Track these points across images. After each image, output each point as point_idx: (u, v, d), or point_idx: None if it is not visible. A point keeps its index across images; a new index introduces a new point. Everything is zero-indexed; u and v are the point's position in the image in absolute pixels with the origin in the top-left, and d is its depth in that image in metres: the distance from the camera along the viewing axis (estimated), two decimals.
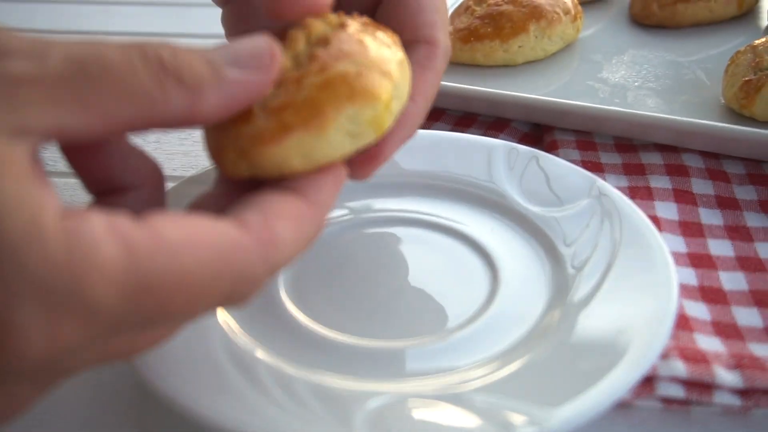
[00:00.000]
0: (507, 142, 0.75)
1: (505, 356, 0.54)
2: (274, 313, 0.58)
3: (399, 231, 0.68)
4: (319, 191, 0.44)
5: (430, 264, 0.63)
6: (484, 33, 0.96)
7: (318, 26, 0.48)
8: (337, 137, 0.43)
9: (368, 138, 0.44)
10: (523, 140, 0.86)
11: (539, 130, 0.88)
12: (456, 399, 0.50)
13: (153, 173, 0.49)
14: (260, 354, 0.54)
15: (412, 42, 0.55)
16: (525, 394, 0.50)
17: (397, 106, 0.46)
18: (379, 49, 0.46)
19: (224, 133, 0.45)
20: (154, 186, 0.48)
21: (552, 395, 0.49)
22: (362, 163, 0.50)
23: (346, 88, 0.43)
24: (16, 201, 0.34)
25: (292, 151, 0.42)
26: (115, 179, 0.46)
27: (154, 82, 0.39)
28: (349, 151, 0.44)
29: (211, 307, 0.39)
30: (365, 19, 0.51)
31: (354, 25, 0.48)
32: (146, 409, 0.55)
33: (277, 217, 0.41)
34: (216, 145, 0.46)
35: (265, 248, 0.39)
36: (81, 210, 0.36)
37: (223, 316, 0.57)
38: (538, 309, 0.58)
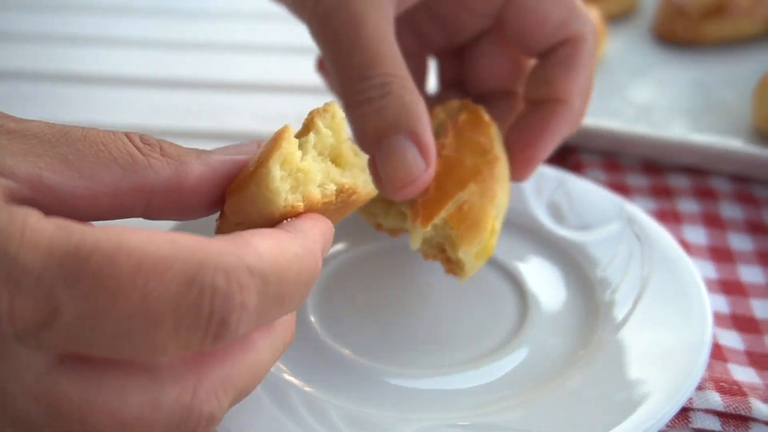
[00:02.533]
0: None
1: (538, 386, 0.53)
2: (305, 341, 0.58)
3: None
4: (299, 224, 0.41)
5: (460, 290, 0.63)
6: None
7: None
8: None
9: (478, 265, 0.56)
10: (547, 161, 0.85)
11: (564, 149, 0.87)
12: (489, 429, 0.49)
13: None
14: (292, 380, 0.53)
15: (555, 45, 0.58)
16: (558, 425, 0.49)
17: (499, 224, 0.57)
18: (477, 167, 0.56)
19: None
20: None
21: (586, 427, 0.49)
22: (519, 164, 0.57)
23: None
24: None
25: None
26: None
27: (136, 148, 0.40)
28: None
29: (172, 297, 0.33)
30: (465, 116, 0.60)
31: (449, 150, 0.57)
32: None
33: (250, 234, 0.38)
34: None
35: (232, 244, 0.35)
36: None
37: None
38: (569, 338, 0.58)
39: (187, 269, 0.33)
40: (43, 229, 0.32)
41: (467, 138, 0.58)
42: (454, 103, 0.63)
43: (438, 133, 0.59)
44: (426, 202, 0.54)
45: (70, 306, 0.32)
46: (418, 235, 0.54)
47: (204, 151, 0.43)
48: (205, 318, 0.34)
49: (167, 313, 0.33)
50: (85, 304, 0.32)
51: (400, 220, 0.58)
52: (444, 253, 0.57)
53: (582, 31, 0.57)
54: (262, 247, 0.36)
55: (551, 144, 0.59)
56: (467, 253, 0.54)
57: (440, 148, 0.56)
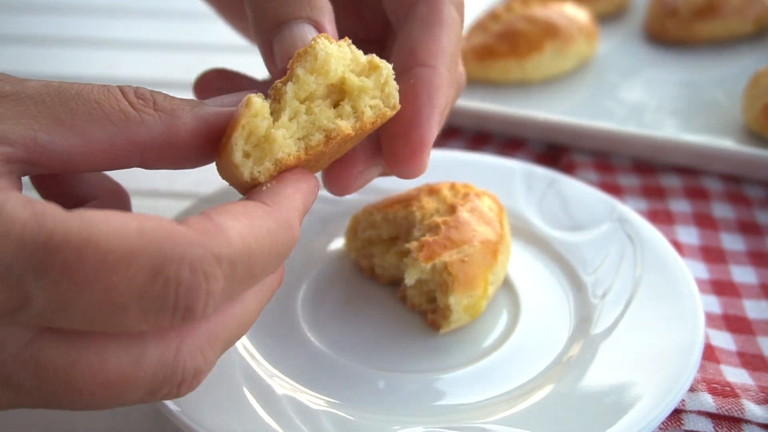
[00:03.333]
0: (525, 163, 0.74)
1: (528, 388, 0.53)
2: (295, 343, 0.57)
3: None
4: (277, 193, 0.42)
5: None
6: (499, 51, 0.95)
7: (430, 206, 0.61)
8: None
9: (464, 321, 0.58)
10: (539, 160, 0.85)
11: (555, 149, 0.87)
12: None
13: (111, 186, 0.49)
14: (282, 384, 0.53)
15: (413, 4, 0.51)
16: (549, 428, 0.49)
17: (492, 292, 0.59)
18: (485, 234, 0.58)
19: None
20: (112, 198, 0.49)
21: (577, 430, 0.48)
22: (408, 154, 0.47)
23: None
24: None
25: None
26: (70, 191, 0.47)
27: (128, 104, 0.40)
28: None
29: (136, 290, 0.34)
30: (473, 188, 0.63)
31: (464, 210, 0.59)
32: None
33: (220, 213, 0.38)
34: None
35: (203, 235, 0.36)
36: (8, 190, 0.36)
37: (245, 345, 0.56)
38: (560, 339, 0.57)
39: (152, 263, 0.34)
40: (17, 217, 0.33)
41: (481, 212, 0.61)
42: (477, 188, 0.65)
43: (454, 203, 0.61)
44: (432, 244, 0.56)
45: (39, 295, 0.34)
46: (416, 270, 0.56)
47: (200, 103, 0.43)
48: (170, 306, 0.35)
49: (132, 303, 0.35)
50: (54, 293, 0.34)
51: (397, 261, 0.61)
52: (431, 303, 0.59)
53: None
54: (233, 229, 0.37)
55: (431, 119, 0.48)
56: (458, 302, 0.55)
57: (453, 209, 0.60)
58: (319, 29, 0.47)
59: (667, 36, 1.05)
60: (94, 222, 0.34)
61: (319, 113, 0.44)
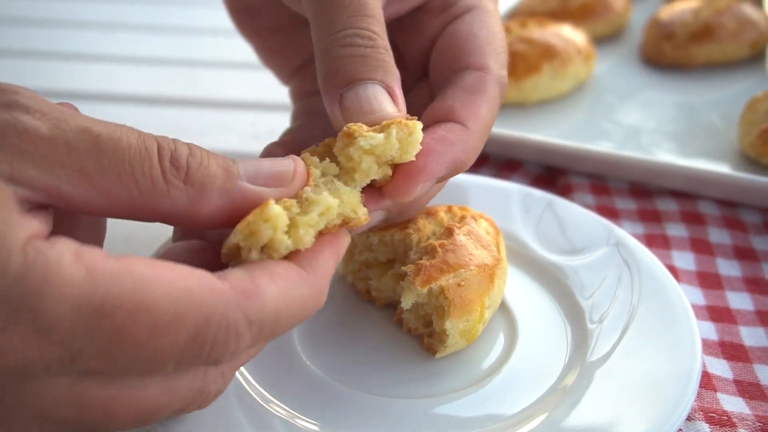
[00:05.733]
0: (522, 186, 0.75)
1: (524, 416, 0.52)
2: (290, 366, 0.57)
3: None
4: (316, 258, 0.44)
5: None
6: None
7: (427, 228, 0.61)
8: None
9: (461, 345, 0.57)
10: (535, 182, 0.85)
11: (552, 171, 0.87)
12: None
13: None
14: (276, 409, 0.52)
15: (461, 69, 0.54)
16: None
17: (489, 316, 0.59)
18: (481, 258, 0.58)
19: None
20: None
21: None
22: (405, 177, 0.48)
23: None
24: None
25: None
26: None
27: (160, 170, 0.40)
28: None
29: (179, 350, 0.37)
30: (470, 211, 0.63)
31: (460, 233, 0.60)
32: None
33: (262, 274, 0.40)
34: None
35: (242, 296, 0.38)
36: (57, 236, 0.37)
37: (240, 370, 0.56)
38: (557, 366, 0.57)
39: (196, 325, 0.37)
40: (72, 280, 0.35)
41: (478, 235, 0.61)
42: (474, 211, 0.65)
43: (451, 225, 0.61)
44: (429, 267, 0.56)
45: (90, 351, 0.36)
46: (412, 294, 0.56)
47: (234, 176, 0.42)
48: (203, 358, 0.39)
49: (171, 359, 0.38)
50: (104, 351, 0.36)
51: (394, 284, 0.61)
52: (427, 327, 0.59)
53: (497, 70, 0.55)
54: (268, 295, 0.40)
55: (442, 160, 0.49)
56: (454, 326, 0.55)
57: (450, 232, 0.60)
58: (390, 93, 0.49)
59: (663, 59, 1.06)
60: (146, 282, 0.36)
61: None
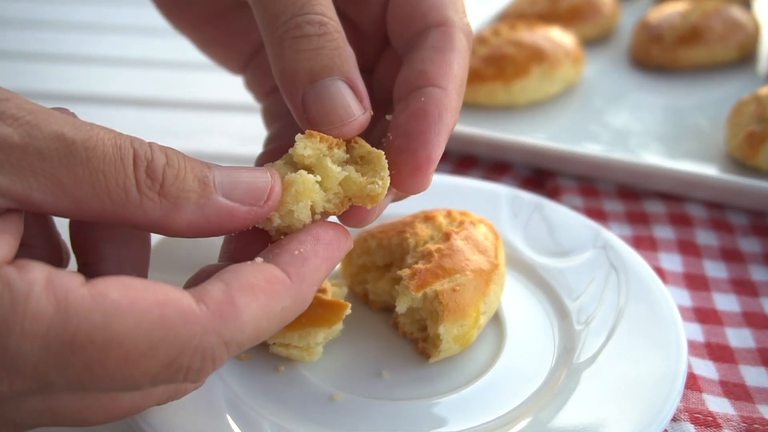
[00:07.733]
0: (511, 188, 0.75)
1: (510, 417, 0.53)
2: (285, 370, 0.57)
3: None
4: (307, 263, 0.43)
5: None
6: (486, 74, 0.95)
7: (424, 233, 0.61)
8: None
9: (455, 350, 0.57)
10: (525, 185, 0.85)
11: (541, 174, 0.87)
12: None
13: (138, 245, 0.48)
14: (268, 414, 0.52)
15: (423, 30, 0.52)
16: None
17: (484, 321, 0.59)
18: (478, 263, 0.58)
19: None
20: (136, 258, 0.48)
21: None
22: (415, 170, 0.48)
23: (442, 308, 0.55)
24: None
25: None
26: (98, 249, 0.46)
27: (135, 182, 0.39)
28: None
29: (152, 376, 0.37)
30: (468, 216, 0.63)
31: (458, 238, 0.60)
32: None
33: (242, 289, 0.39)
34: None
35: (219, 320, 0.38)
36: (29, 261, 0.36)
37: (230, 371, 0.56)
38: (544, 367, 0.57)
39: (168, 355, 0.37)
40: (41, 316, 0.35)
41: (476, 240, 0.61)
42: (474, 216, 0.65)
43: (449, 230, 0.61)
44: (424, 272, 0.56)
45: (61, 382, 0.36)
46: (407, 299, 0.56)
47: (211, 191, 0.42)
48: (178, 381, 0.39)
49: (145, 383, 0.38)
50: (75, 381, 0.36)
51: (390, 288, 0.61)
52: (422, 332, 0.59)
53: (459, 20, 0.53)
54: (248, 314, 0.39)
55: (439, 136, 0.49)
56: (447, 331, 0.55)
57: (447, 237, 0.60)
58: (352, 87, 0.48)
59: (651, 61, 1.06)
60: (119, 313, 0.36)
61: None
